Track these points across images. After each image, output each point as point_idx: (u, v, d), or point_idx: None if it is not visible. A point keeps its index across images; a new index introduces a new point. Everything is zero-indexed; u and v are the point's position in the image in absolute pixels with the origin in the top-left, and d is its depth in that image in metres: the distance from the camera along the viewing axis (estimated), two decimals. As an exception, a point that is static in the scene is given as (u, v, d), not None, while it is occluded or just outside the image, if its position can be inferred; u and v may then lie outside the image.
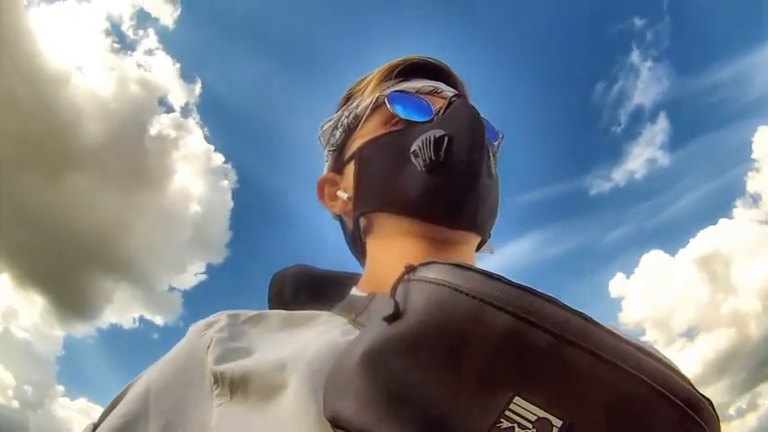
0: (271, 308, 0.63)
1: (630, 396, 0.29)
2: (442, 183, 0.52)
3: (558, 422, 0.28)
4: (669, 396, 0.28)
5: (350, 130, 0.64)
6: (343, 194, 0.62)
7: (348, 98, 0.67)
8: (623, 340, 0.30)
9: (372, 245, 0.60)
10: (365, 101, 0.62)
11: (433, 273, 0.35)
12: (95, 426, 0.43)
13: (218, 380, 0.42)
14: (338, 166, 0.65)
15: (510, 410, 0.29)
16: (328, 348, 0.41)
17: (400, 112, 0.59)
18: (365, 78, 0.66)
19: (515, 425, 0.29)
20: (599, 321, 0.31)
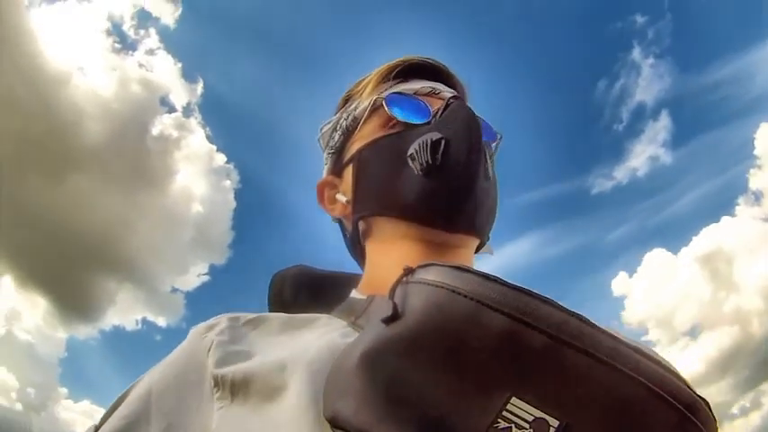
0: (271, 309, 0.64)
1: (628, 398, 0.29)
2: (439, 186, 0.52)
3: (554, 422, 0.28)
4: (667, 398, 0.29)
5: (348, 133, 0.63)
6: (342, 198, 0.62)
7: (347, 100, 0.67)
8: (620, 342, 0.30)
9: (371, 248, 0.60)
10: (363, 103, 0.62)
11: (431, 275, 0.35)
12: (97, 427, 0.44)
13: (219, 383, 0.42)
14: (337, 169, 0.65)
15: (507, 411, 0.29)
16: (328, 350, 0.42)
17: (398, 114, 0.59)
18: (363, 80, 0.65)
19: (512, 425, 0.29)
20: (596, 323, 0.31)
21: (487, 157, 0.57)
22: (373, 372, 0.33)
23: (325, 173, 0.67)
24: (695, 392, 0.30)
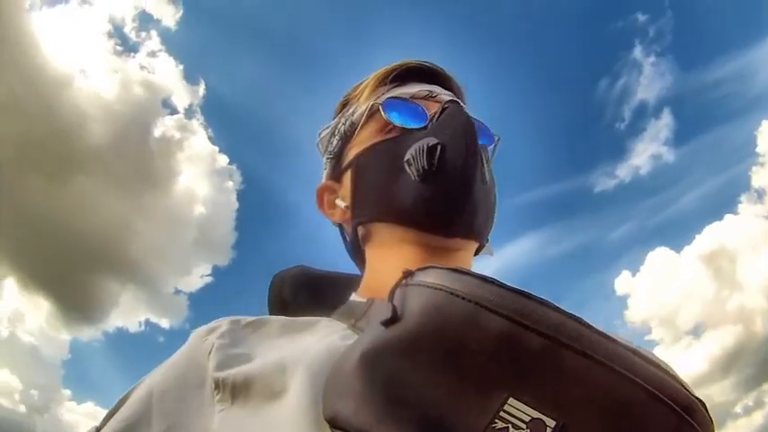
0: (270, 310, 0.64)
1: (627, 400, 0.29)
2: (436, 192, 0.53)
3: (551, 423, 0.29)
4: (665, 400, 0.29)
5: (346, 138, 0.64)
6: (341, 203, 0.62)
7: (344, 104, 0.67)
8: (618, 343, 0.31)
9: (371, 253, 0.60)
10: (360, 108, 0.62)
11: (430, 277, 0.36)
12: (98, 429, 0.44)
13: (220, 386, 0.42)
14: (336, 174, 0.65)
15: (504, 411, 0.29)
16: (328, 352, 0.42)
17: (394, 119, 0.59)
18: (361, 84, 0.66)
19: (509, 425, 0.29)
20: (593, 325, 0.31)
21: (484, 161, 0.57)
22: (372, 373, 0.33)
23: (324, 178, 0.68)
24: (693, 394, 0.30)
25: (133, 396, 0.45)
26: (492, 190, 0.60)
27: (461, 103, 0.63)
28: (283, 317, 0.53)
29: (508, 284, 0.33)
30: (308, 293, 0.63)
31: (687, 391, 0.30)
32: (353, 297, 0.57)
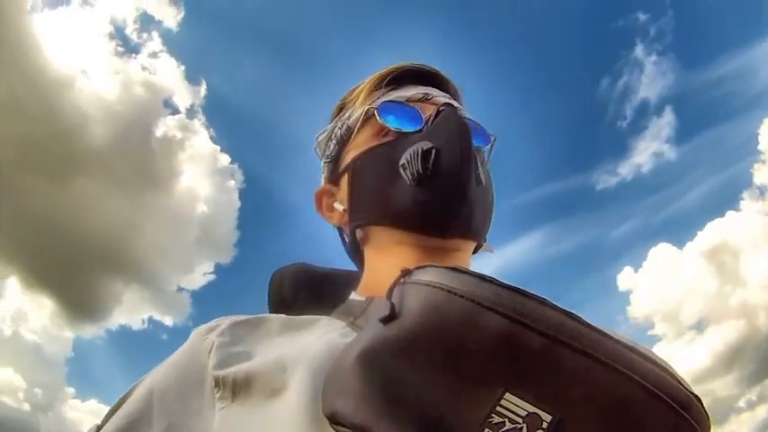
0: (270, 308, 0.64)
1: (626, 398, 0.29)
2: (431, 195, 0.53)
3: (547, 417, 0.29)
4: (665, 398, 0.29)
5: (343, 142, 0.64)
6: (339, 206, 0.63)
7: (341, 108, 0.68)
8: (618, 342, 0.31)
9: (370, 254, 0.61)
10: (356, 112, 0.62)
11: (428, 276, 0.36)
12: (99, 427, 0.44)
13: (220, 384, 0.43)
14: (334, 178, 0.65)
15: (501, 405, 0.30)
16: (328, 350, 0.42)
17: (390, 123, 0.59)
18: (357, 88, 0.66)
19: (506, 419, 0.29)
20: (591, 323, 0.32)
21: (479, 163, 0.57)
22: (371, 371, 0.33)
23: (322, 181, 0.68)
24: (691, 391, 0.31)
25: (134, 394, 0.46)
26: (488, 190, 0.60)
27: (457, 105, 0.63)
28: (283, 315, 0.53)
29: (506, 283, 0.33)
30: (309, 292, 0.63)
31: (685, 388, 0.30)
32: (353, 296, 0.58)
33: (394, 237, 0.56)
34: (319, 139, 0.68)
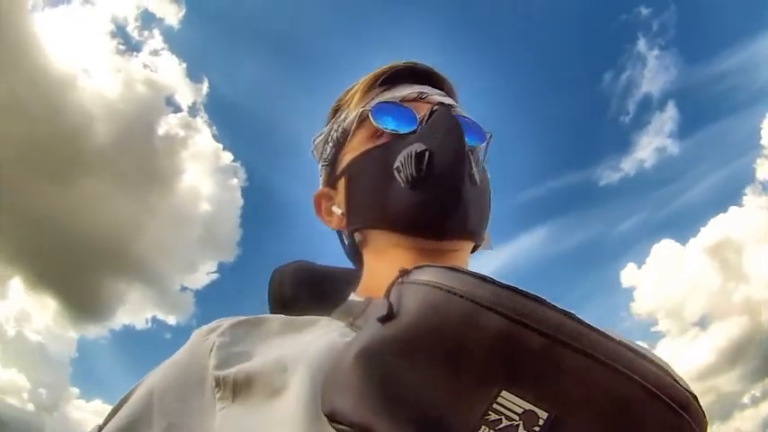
0: (271, 307, 0.65)
1: (626, 398, 0.29)
2: (425, 198, 0.53)
3: (543, 414, 0.29)
4: (664, 398, 0.29)
5: (339, 145, 0.64)
6: (337, 210, 0.63)
7: (336, 110, 0.67)
8: (617, 342, 0.31)
9: (368, 256, 0.61)
10: (351, 114, 0.62)
11: (426, 276, 0.36)
12: (101, 427, 0.45)
13: (220, 384, 0.43)
14: (332, 181, 0.65)
15: (498, 403, 0.30)
16: (328, 349, 0.43)
17: (384, 125, 0.59)
18: (351, 88, 0.66)
19: (503, 417, 0.30)
20: (589, 323, 0.32)
21: (473, 163, 0.57)
22: (369, 369, 0.34)
23: (321, 184, 0.68)
24: (690, 391, 0.31)
25: (134, 395, 0.46)
26: (484, 189, 0.60)
27: (452, 103, 0.63)
28: (283, 315, 0.53)
29: (506, 283, 0.33)
30: (309, 291, 0.63)
31: (684, 388, 0.30)
32: (352, 297, 0.58)
33: (391, 240, 0.56)
34: (316, 142, 0.68)
